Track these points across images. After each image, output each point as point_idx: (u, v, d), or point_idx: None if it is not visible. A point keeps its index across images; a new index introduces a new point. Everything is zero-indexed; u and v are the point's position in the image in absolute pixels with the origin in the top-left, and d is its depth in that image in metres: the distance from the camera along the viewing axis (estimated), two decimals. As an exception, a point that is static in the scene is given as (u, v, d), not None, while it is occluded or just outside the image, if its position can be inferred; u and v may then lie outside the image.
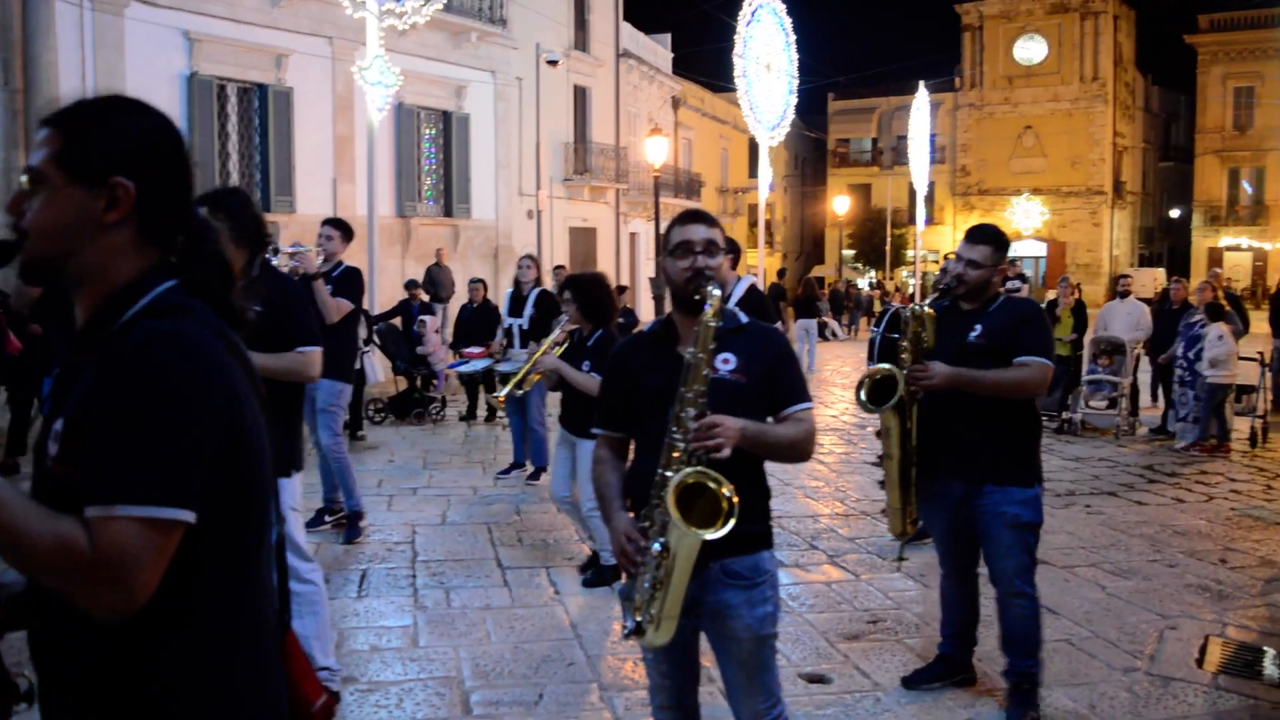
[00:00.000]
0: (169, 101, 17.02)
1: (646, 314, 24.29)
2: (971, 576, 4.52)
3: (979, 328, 4.20)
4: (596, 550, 6.16)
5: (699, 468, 2.67)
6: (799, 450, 2.96)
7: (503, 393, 7.10)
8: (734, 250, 7.61)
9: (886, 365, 4.23)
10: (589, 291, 6.12)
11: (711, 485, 2.65)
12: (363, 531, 6.95)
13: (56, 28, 15.27)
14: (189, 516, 1.46)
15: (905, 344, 4.23)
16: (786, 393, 2.94)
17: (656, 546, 2.66)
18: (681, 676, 3.08)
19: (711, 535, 2.60)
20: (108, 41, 16.16)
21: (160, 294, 1.59)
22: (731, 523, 2.60)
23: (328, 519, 7.12)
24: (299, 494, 4.22)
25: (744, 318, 3.04)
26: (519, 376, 6.65)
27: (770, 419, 2.93)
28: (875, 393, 4.19)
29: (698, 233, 2.94)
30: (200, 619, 1.55)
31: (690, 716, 3.17)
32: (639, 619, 2.71)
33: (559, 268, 9.65)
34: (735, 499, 2.62)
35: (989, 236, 4.28)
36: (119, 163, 1.58)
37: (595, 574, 6.06)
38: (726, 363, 2.91)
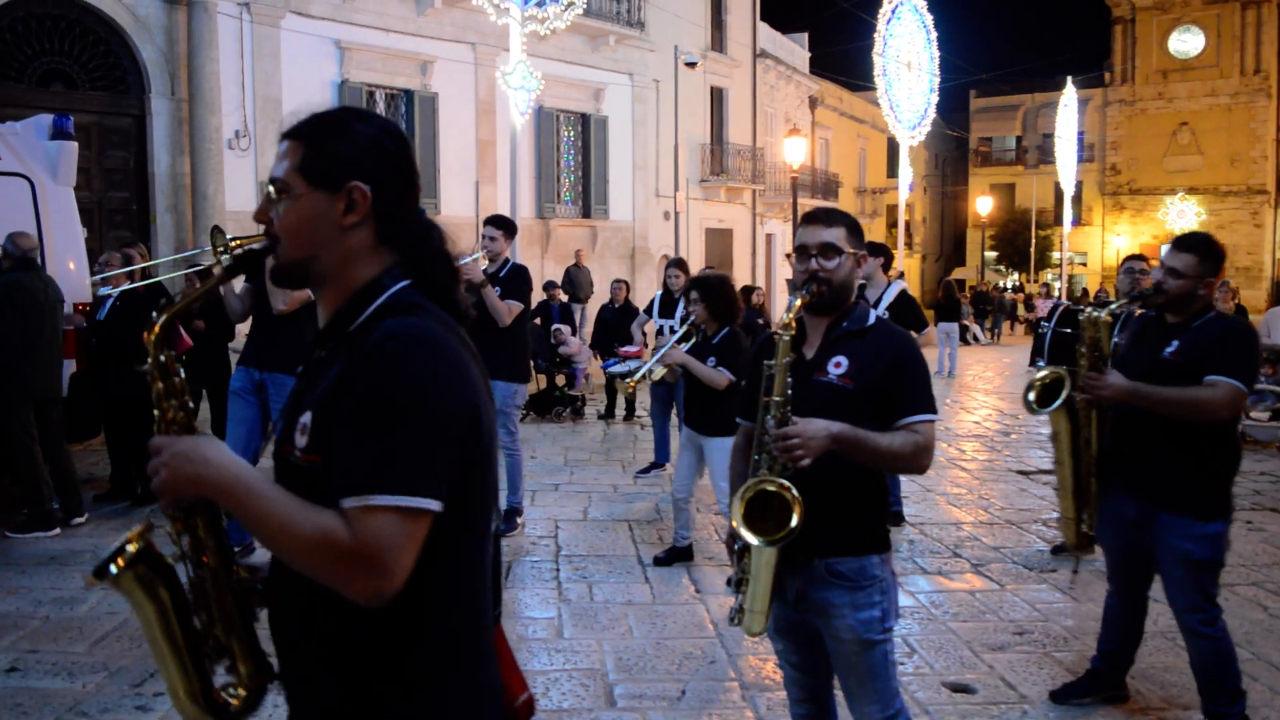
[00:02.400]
0: (322, 107, 17.68)
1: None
2: (1140, 599, 4.31)
3: (1176, 344, 3.94)
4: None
5: (763, 478, 2.79)
6: (905, 463, 2.86)
7: (634, 378, 7.21)
8: (883, 254, 7.57)
9: (1057, 368, 4.15)
10: (716, 291, 6.27)
11: (778, 492, 2.74)
12: (519, 527, 7.16)
13: (219, 39, 16.05)
14: (438, 506, 1.54)
15: (1083, 349, 4.11)
16: (901, 401, 2.87)
17: (742, 543, 2.87)
18: (811, 671, 3.13)
19: (757, 541, 2.73)
20: (265, 51, 16.92)
21: (395, 293, 1.69)
22: (791, 529, 2.68)
23: (519, 520, 7.29)
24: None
25: (872, 319, 2.99)
26: (646, 368, 6.77)
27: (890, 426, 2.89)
28: (1044, 395, 4.13)
29: (813, 235, 2.96)
30: (430, 601, 1.62)
31: (825, 712, 3.19)
32: (736, 606, 2.96)
33: (677, 261, 9.69)
34: (798, 507, 2.68)
35: (1194, 244, 4.00)
36: (354, 168, 1.68)
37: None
38: (838, 366, 2.91)
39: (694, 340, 6.34)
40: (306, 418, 1.63)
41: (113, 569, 1.65)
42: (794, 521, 2.68)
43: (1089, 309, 4.29)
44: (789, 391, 2.84)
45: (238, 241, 5.61)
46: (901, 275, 22.71)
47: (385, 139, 1.73)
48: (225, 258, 5.51)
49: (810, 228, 2.98)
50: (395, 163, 1.73)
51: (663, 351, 6.46)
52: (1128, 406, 3.96)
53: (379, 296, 1.68)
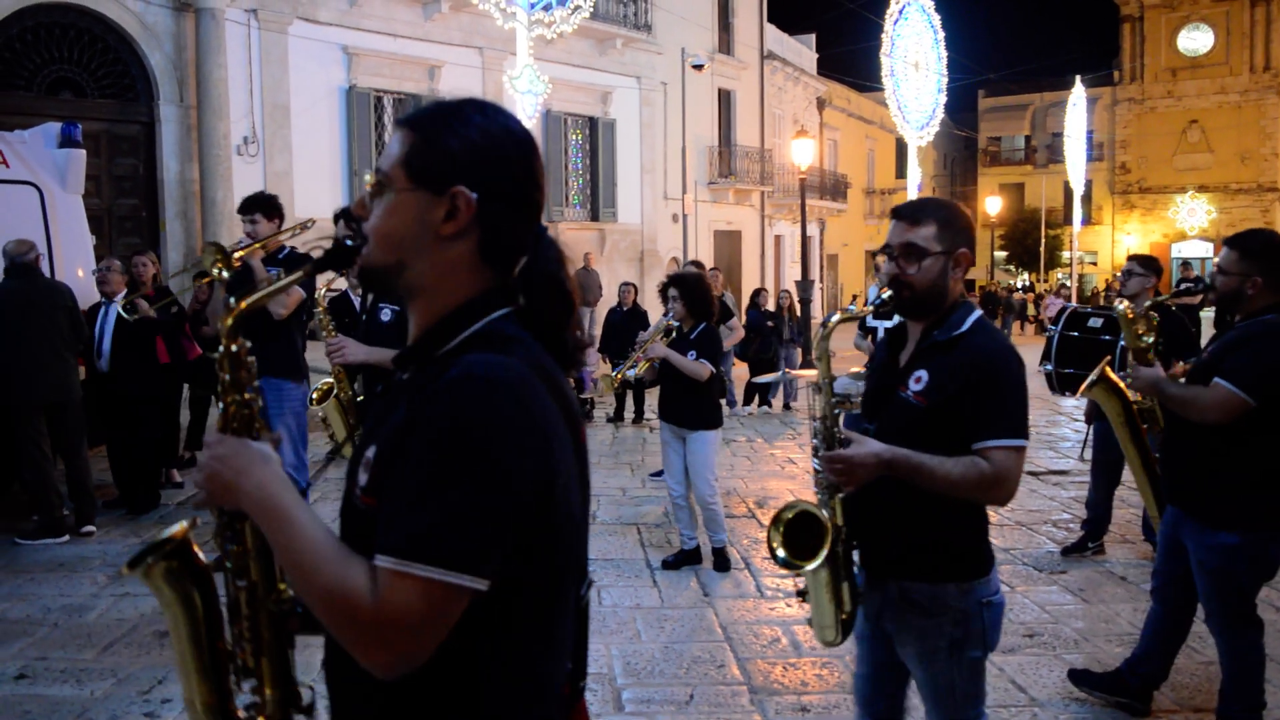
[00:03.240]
0: (329, 113, 17.79)
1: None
2: (1179, 611, 4.22)
3: (1215, 345, 3.92)
4: (710, 535, 6.49)
5: (799, 503, 2.78)
6: (971, 494, 2.60)
7: (615, 373, 7.25)
8: None
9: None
10: (694, 288, 6.42)
11: (817, 514, 2.73)
12: None
13: (226, 46, 16.10)
14: (482, 585, 1.34)
15: (1139, 344, 4.13)
16: (976, 424, 2.58)
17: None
18: (874, 677, 2.98)
19: (808, 566, 2.72)
20: (273, 58, 16.98)
21: (491, 322, 1.48)
22: (822, 556, 2.68)
23: None
24: None
25: (966, 326, 2.67)
26: (629, 363, 6.83)
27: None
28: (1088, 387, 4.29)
29: (897, 235, 2.72)
30: (483, 678, 1.42)
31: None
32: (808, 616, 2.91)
33: (692, 264, 9.73)
34: (828, 538, 2.68)
35: (1240, 241, 3.89)
36: (462, 170, 1.47)
37: (718, 560, 6.44)
38: (918, 381, 2.67)
39: (673, 336, 6.45)
40: (371, 452, 1.44)
41: (147, 560, 1.57)
42: (823, 552, 2.68)
43: (1123, 306, 4.32)
44: (835, 410, 2.76)
45: (240, 253, 5.62)
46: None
47: (507, 141, 1.50)
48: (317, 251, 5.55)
49: (896, 224, 2.74)
50: (513, 170, 1.50)
51: (642, 347, 6.59)
52: (1171, 410, 3.93)
53: (473, 323, 1.47)
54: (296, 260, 6.06)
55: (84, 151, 8.71)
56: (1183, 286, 4.31)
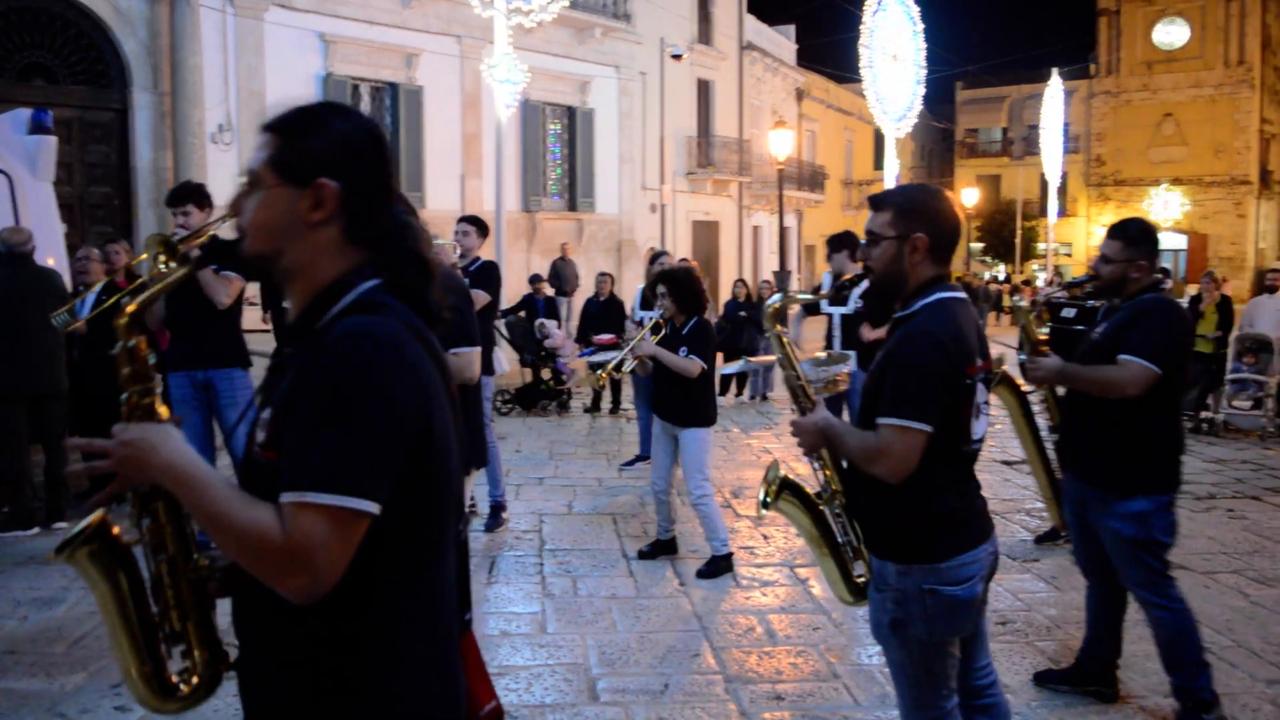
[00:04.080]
0: (304, 101, 17.65)
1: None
2: (1107, 582, 4.31)
3: (1105, 324, 4.12)
4: (708, 540, 6.25)
5: (774, 473, 3.05)
6: (861, 464, 2.74)
7: (603, 370, 7.23)
8: (850, 245, 7.70)
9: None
10: (683, 284, 6.31)
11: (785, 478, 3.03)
12: (504, 522, 7.12)
13: (201, 33, 15.96)
14: (374, 509, 1.52)
15: (1022, 339, 4.28)
16: (880, 401, 2.70)
17: None
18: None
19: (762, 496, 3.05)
20: (249, 45, 16.84)
21: (363, 292, 1.67)
22: (761, 498, 3.03)
23: (504, 515, 7.23)
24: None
25: (913, 309, 2.76)
26: (617, 360, 6.79)
27: None
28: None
29: (867, 222, 2.88)
30: (380, 605, 1.61)
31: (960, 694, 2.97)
32: None
33: (662, 253, 9.78)
34: (771, 484, 3.00)
35: (1123, 231, 4.13)
36: (324, 165, 1.66)
37: (709, 566, 6.16)
38: (874, 363, 2.84)
39: (664, 332, 6.36)
40: (267, 413, 1.65)
41: (70, 547, 1.70)
42: (761, 496, 3.03)
43: (1027, 301, 4.48)
44: (793, 365, 3.03)
45: (190, 242, 5.55)
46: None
47: (361, 136, 1.72)
48: (194, 250, 5.48)
49: (868, 212, 2.90)
50: (368, 161, 1.71)
51: (633, 344, 6.50)
52: (1070, 390, 4.13)
53: (345, 295, 1.66)
54: (223, 248, 5.99)
55: (55, 138, 8.61)
56: (1070, 281, 4.60)
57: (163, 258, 5.08)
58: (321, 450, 1.50)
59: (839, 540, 3.04)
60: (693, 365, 6.05)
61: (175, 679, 1.77)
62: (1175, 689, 4.06)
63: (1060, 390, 4.34)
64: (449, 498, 1.70)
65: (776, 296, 3.22)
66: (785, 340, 3.13)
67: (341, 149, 1.68)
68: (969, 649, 2.97)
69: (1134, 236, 4.08)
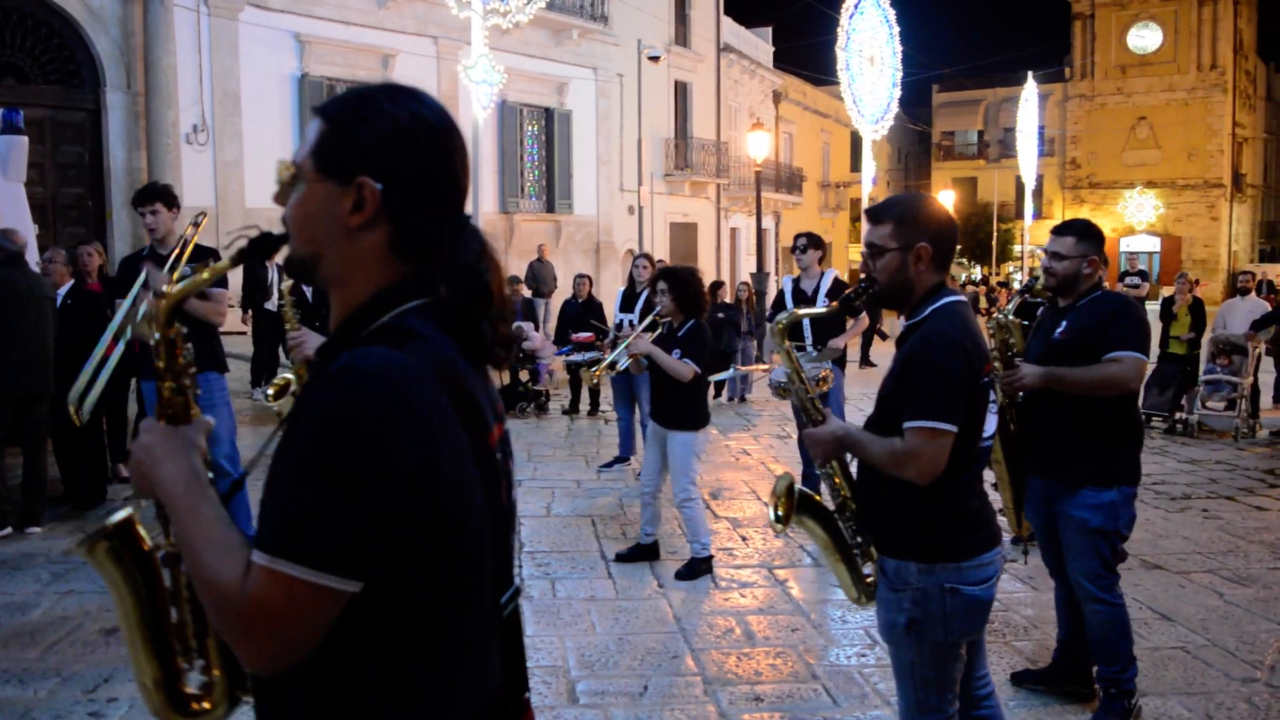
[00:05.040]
0: (281, 102, 17.57)
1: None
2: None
3: (1064, 324, 4.16)
4: (689, 542, 6.24)
5: (787, 481, 3.11)
6: (889, 469, 2.75)
7: (598, 368, 7.21)
8: (817, 246, 7.78)
9: None
10: (686, 283, 6.21)
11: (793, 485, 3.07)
12: None
13: (175, 32, 15.84)
14: (348, 586, 1.29)
15: (994, 352, 4.20)
16: (903, 406, 2.73)
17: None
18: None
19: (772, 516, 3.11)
20: (223, 45, 16.72)
21: (398, 315, 1.42)
22: (773, 516, 3.08)
23: None
24: None
25: (921, 316, 2.81)
26: (611, 358, 6.75)
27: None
28: None
29: (866, 235, 2.91)
30: (371, 683, 1.38)
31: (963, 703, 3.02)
32: None
33: (644, 255, 9.80)
34: (784, 497, 3.04)
35: (1071, 227, 4.25)
36: (368, 161, 1.42)
37: (687, 568, 6.14)
38: (892, 367, 2.88)
39: (659, 332, 6.31)
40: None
41: (93, 540, 1.60)
42: (789, 516, 3.02)
43: (995, 316, 4.49)
44: (807, 393, 3.11)
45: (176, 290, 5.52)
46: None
47: (418, 130, 1.44)
48: (241, 241, 5.42)
49: (866, 224, 2.94)
50: (423, 160, 1.44)
51: (628, 341, 6.43)
52: (1031, 391, 4.15)
53: (383, 315, 1.42)
54: (201, 254, 5.92)
55: (26, 138, 8.54)
56: (1026, 285, 4.70)
57: (155, 326, 4.98)
58: (294, 510, 1.29)
59: (849, 544, 3.10)
60: (685, 369, 5.98)
61: (192, 694, 1.64)
62: (1102, 676, 4.14)
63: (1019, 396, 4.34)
64: (474, 568, 1.44)
65: (784, 314, 3.27)
66: (793, 355, 3.23)
67: (391, 143, 1.43)
68: (971, 657, 3.00)
69: (1082, 231, 4.21)
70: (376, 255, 1.45)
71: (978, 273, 48.63)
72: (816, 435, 2.96)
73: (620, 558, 6.39)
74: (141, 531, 1.65)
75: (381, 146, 1.43)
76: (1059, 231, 4.27)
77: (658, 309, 6.36)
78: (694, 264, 28.19)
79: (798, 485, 3.08)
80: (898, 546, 2.83)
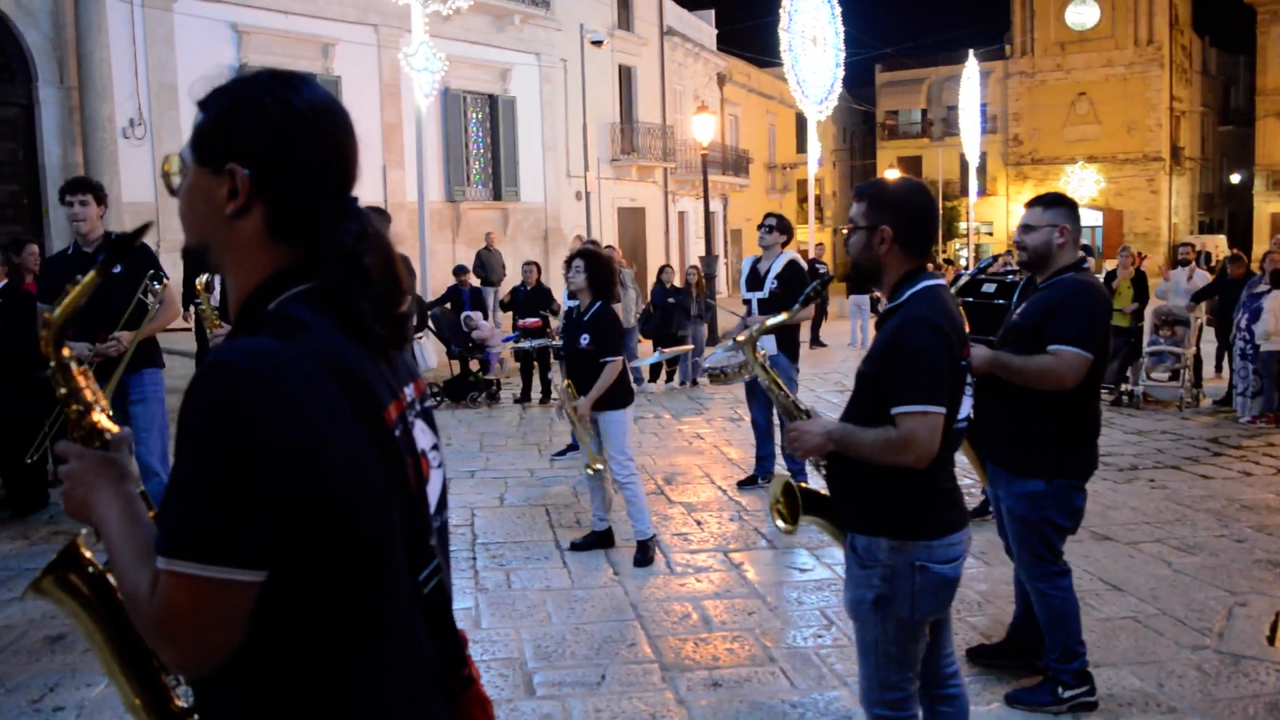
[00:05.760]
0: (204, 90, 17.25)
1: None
2: None
3: (1024, 305, 4.10)
4: (633, 524, 6.23)
5: (784, 479, 3.25)
6: (884, 458, 2.76)
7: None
8: (786, 230, 7.76)
9: None
10: (602, 267, 6.22)
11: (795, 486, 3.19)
12: None
13: (108, 24, 15.49)
14: (248, 576, 1.30)
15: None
16: (890, 391, 2.76)
17: None
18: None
19: (788, 528, 3.23)
20: (158, 36, 16.38)
21: (282, 302, 1.43)
22: (781, 525, 3.23)
23: None
24: None
25: (903, 298, 2.84)
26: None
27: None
28: None
29: (851, 210, 3.00)
30: (291, 669, 1.39)
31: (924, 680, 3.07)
32: None
33: (591, 243, 9.81)
34: (781, 497, 3.20)
35: (1040, 199, 4.17)
36: (236, 146, 1.44)
37: (640, 552, 6.15)
38: (872, 349, 2.90)
39: (566, 320, 6.30)
40: None
41: (40, 580, 1.60)
42: (800, 517, 3.15)
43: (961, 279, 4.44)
44: (778, 385, 3.25)
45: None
46: (805, 249, 22.88)
47: (282, 113, 1.44)
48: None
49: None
50: (291, 142, 1.44)
51: (574, 411, 6.24)
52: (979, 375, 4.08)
53: (269, 303, 1.43)
54: (125, 247, 5.80)
55: (-46, 136, 8.28)
56: (993, 257, 4.63)
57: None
58: (182, 507, 1.30)
59: None
60: (613, 370, 6.04)
61: (181, 708, 1.64)
62: (1046, 658, 4.14)
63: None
64: (375, 545, 1.42)
65: (755, 326, 3.48)
66: (767, 365, 3.40)
67: (257, 127, 1.44)
68: (936, 635, 3.04)
69: (1051, 201, 4.12)
70: (256, 241, 1.46)
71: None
72: (804, 429, 2.95)
73: (575, 546, 6.37)
74: (88, 554, 1.64)
75: (250, 133, 1.44)
76: (1030, 203, 4.18)
77: (569, 285, 6.35)
78: (643, 249, 28.23)
79: (791, 481, 3.15)
80: (869, 523, 2.87)
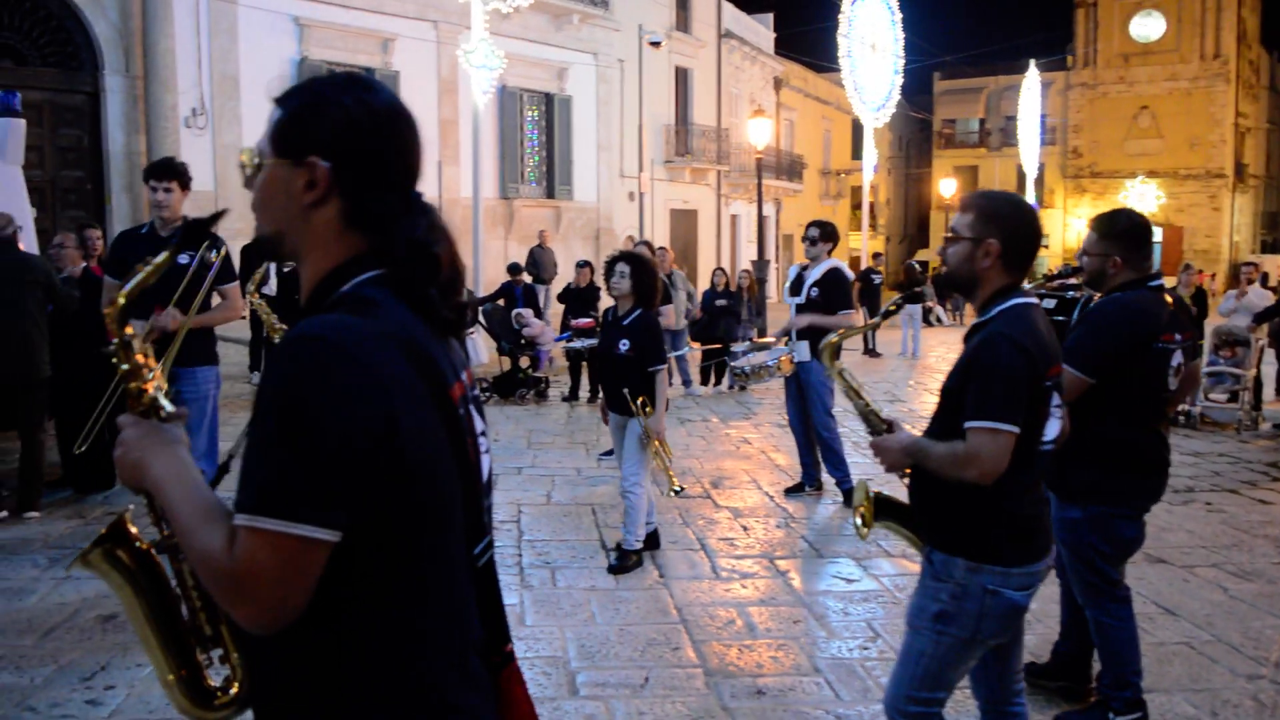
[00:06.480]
0: (280, 85, 17.48)
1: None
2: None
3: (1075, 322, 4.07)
4: (624, 532, 6.13)
5: (867, 493, 3.27)
6: (949, 471, 2.77)
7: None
8: (830, 238, 7.68)
9: None
10: (647, 272, 6.07)
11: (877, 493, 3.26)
12: None
13: (174, 15, 15.75)
14: (327, 535, 1.37)
15: None
16: (965, 406, 2.76)
17: None
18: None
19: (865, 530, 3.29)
20: (222, 28, 16.64)
21: (356, 284, 1.53)
22: (858, 524, 3.27)
23: None
24: None
25: (991, 314, 2.83)
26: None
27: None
28: None
29: (953, 219, 2.96)
30: (350, 630, 1.45)
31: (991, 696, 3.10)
32: None
33: (643, 244, 9.80)
34: (865, 501, 3.19)
35: (1096, 224, 4.06)
36: (318, 141, 1.54)
37: (619, 559, 6.04)
38: (956, 365, 2.90)
39: (607, 320, 6.20)
40: None
41: (89, 551, 1.65)
42: (874, 522, 3.23)
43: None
44: (859, 394, 3.28)
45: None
46: (858, 256, 22.70)
47: (362, 112, 1.56)
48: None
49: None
50: (369, 139, 1.56)
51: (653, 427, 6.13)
52: None
53: (341, 287, 1.53)
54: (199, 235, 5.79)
55: (24, 121, 8.47)
56: (1051, 275, 4.52)
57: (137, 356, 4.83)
58: (267, 469, 1.37)
59: None
60: (664, 379, 5.96)
61: (215, 686, 1.69)
62: (1100, 683, 4.08)
63: None
64: (436, 516, 1.51)
65: (831, 334, 3.53)
66: (845, 374, 3.40)
67: (337, 125, 1.54)
68: (1009, 652, 3.05)
69: (1109, 232, 3.98)
70: (332, 230, 1.56)
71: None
72: (886, 444, 3.00)
73: (612, 570, 6.01)
74: (134, 530, 1.69)
75: (330, 129, 1.55)
76: (1090, 225, 4.08)
77: (612, 290, 6.16)
78: (694, 251, 28.20)
79: (872, 488, 3.19)
80: (949, 542, 2.86)
